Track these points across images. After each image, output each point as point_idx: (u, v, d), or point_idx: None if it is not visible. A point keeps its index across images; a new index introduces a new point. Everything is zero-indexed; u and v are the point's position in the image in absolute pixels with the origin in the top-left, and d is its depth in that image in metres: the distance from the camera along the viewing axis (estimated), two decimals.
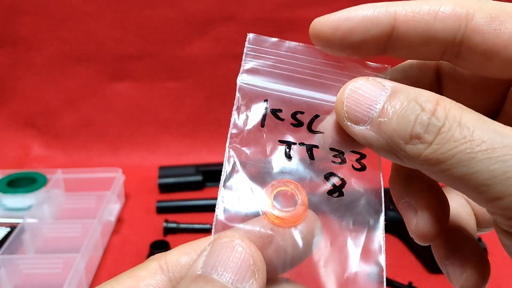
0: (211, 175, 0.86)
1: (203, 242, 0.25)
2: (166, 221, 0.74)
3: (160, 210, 0.79)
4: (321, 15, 0.28)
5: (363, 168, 0.26)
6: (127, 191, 0.82)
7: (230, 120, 0.27)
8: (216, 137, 0.92)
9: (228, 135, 0.26)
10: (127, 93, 0.91)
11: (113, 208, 0.76)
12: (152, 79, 0.90)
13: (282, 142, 0.26)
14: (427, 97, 0.23)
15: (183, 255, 0.25)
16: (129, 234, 0.75)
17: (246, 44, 0.27)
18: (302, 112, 0.26)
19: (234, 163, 0.26)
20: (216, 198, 0.27)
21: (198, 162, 0.88)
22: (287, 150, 0.26)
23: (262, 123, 0.26)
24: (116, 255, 0.70)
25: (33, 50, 0.87)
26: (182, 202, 0.80)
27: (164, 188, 0.84)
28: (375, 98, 0.23)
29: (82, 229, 0.68)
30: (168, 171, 0.85)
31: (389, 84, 0.24)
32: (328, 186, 0.25)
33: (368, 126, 0.23)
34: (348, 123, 0.24)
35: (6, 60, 0.88)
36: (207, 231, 0.74)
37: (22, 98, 0.91)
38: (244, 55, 0.27)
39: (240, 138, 0.26)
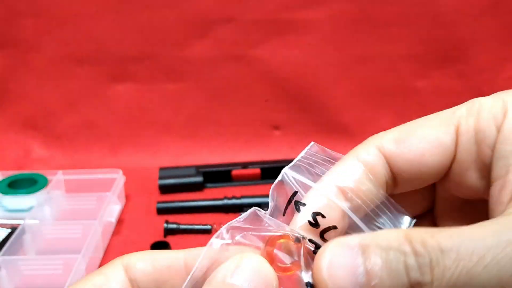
0: (212, 176, 0.86)
1: (159, 254, 0.28)
2: (167, 222, 0.74)
3: (161, 211, 0.79)
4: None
5: None
6: (127, 192, 0.82)
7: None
8: (217, 139, 0.92)
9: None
10: (127, 94, 0.91)
11: (114, 209, 0.76)
12: (153, 81, 0.90)
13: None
14: (397, 239, 0.22)
15: (141, 260, 0.27)
16: (130, 235, 0.75)
17: (307, 150, 0.29)
18: (324, 217, 0.26)
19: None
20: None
21: (199, 163, 0.88)
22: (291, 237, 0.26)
23: (284, 211, 0.27)
24: (117, 256, 0.70)
25: (33, 52, 0.87)
26: (183, 203, 0.80)
27: (164, 189, 0.84)
28: (352, 263, 0.23)
29: (83, 230, 0.68)
30: (169, 172, 0.85)
31: (354, 243, 0.23)
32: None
33: None
34: None
35: (7, 61, 0.88)
36: (208, 232, 0.74)
37: (22, 100, 0.91)
38: (300, 156, 0.28)
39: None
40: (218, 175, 0.86)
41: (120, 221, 0.77)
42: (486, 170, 0.26)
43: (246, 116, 0.91)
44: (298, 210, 0.27)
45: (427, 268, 0.22)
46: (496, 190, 0.25)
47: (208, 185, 0.85)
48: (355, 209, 0.27)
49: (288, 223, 0.27)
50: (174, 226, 0.74)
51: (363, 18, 0.86)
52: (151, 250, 0.28)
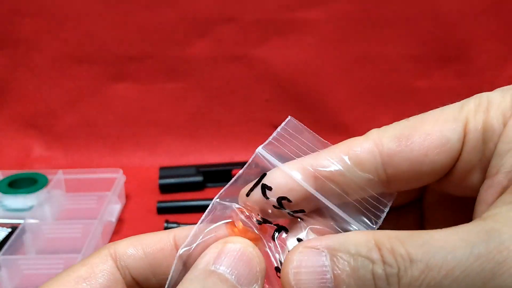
0: (212, 176, 0.86)
1: (148, 237, 0.27)
2: (167, 221, 0.74)
3: (161, 210, 0.79)
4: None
5: None
6: (127, 192, 0.82)
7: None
8: (217, 138, 0.92)
9: (224, 188, 0.27)
10: (127, 94, 0.91)
11: (114, 208, 0.76)
12: (153, 80, 0.90)
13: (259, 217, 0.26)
14: (366, 245, 0.22)
15: (131, 246, 0.27)
16: (130, 235, 0.73)
17: (283, 125, 0.27)
18: (290, 201, 0.26)
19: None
20: None
21: (199, 163, 0.88)
22: (258, 218, 0.26)
23: (248, 192, 0.26)
24: None
25: (34, 51, 0.87)
26: (183, 202, 0.80)
27: (164, 189, 0.84)
28: (321, 268, 0.22)
29: (83, 229, 0.68)
30: (169, 172, 0.85)
31: (322, 245, 0.23)
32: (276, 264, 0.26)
33: None
34: None
35: (7, 61, 0.88)
36: None
37: (23, 99, 0.91)
38: (275, 133, 0.27)
39: (226, 194, 0.27)
40: (218, 175, 0.86)
41: (120, 221, 0.77)
42: None
43: (246, 115, 0.91)
44: (264, 194, 0.26)
45: (395, 278, 0.21)
46: (484, 189, 0.24)
47: (209, 184, 0.85)
48: (328, 193, 0.26)
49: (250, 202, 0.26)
50: (175, 225, 0.74)
51: (363, 18, 0.86)
52: (138, 235, 0.28)
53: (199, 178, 0.85)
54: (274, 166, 0.26)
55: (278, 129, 0.27)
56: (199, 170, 0.86)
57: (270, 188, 0.26)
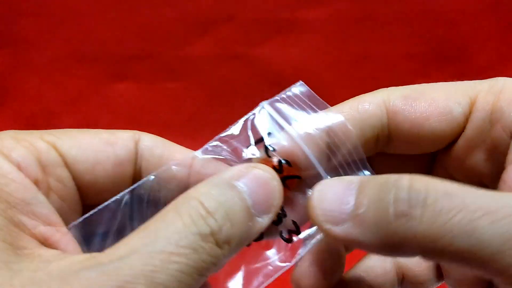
0: None
1: (176, 150, 0.29)
2: None
3: None
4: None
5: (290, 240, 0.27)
6: None
7: (230, 120, 0.28)
8: None
9: (224, 133, 0.30)
10: (128, 93, 0.91)
11: None
12: (153, 80, 0.90)
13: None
14: (398, 176, 0.21)
15: (156, 146, 0.28)
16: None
17: (293, 88, 0.29)
18: (289, 164, 0.26)
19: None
20: None
21: None
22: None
23: (257, 147, 0.28)
24: None
25: (34, 51, 0.87)
26: None
27: None
28: (346, 193, 0.22)
29: None
30: None
31: (357, 179, 0.23)
32: None
33: (350, 223, 0.22)
34: (328, 226, 0.22)
35: (8, 60, 0.88)
36: None
37: (23, 99, 0.91)
38: (284, 92, 0.28)
39: (230, 142, 0.29)
40: None
41: None
42: (495, 153, 0.25)
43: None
44: (267, 153, 0.27)
45: (419, 202, 0.20)
46: (510, 175, 0.24)
47: None
48: (323, 157, 0.26)
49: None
50: None
51: (364, 17, 0.86)
52: (170, 142, 0.30)
53: None
54: (277, 123, 0.27)
55: (287, 90, 0.29)
56: None
57: (274, 149, 0.27)
